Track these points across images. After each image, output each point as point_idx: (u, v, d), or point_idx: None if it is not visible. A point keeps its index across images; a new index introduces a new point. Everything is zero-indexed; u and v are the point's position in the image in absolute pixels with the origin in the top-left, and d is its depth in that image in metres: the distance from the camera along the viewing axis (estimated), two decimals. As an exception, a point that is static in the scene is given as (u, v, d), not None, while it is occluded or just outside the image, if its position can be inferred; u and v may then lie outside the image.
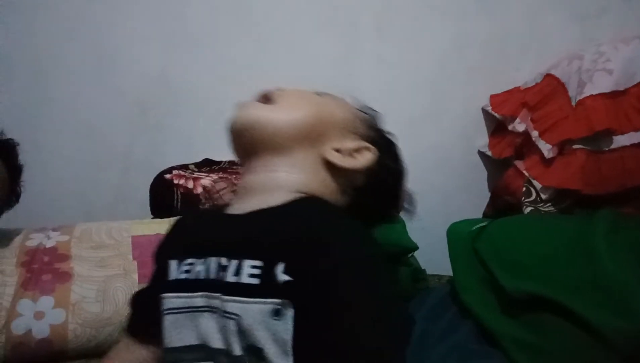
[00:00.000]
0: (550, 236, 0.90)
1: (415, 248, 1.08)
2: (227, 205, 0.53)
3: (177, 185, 1.14)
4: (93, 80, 1.34)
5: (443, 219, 1.19)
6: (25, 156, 0.96)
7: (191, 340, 0.46)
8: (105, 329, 0.80)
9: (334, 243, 0.44)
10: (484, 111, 1.37)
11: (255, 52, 1.35)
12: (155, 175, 1.24)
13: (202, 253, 0.49)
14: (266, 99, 0.55)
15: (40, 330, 0.77)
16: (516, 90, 1.30)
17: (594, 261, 0.80)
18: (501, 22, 1.36)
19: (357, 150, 0.54)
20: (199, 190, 1.14)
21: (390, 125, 1.38)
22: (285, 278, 0.43)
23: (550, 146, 1.10)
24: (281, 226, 0.47)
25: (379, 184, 0.58)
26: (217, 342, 0.45)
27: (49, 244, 0.88)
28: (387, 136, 0.66)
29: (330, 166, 0.54)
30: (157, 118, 1.39)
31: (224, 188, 1.13)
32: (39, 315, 0.77)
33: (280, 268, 0.43)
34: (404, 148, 1.39)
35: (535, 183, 1.11)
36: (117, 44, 1.33)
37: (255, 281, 0.44)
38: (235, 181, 1.16)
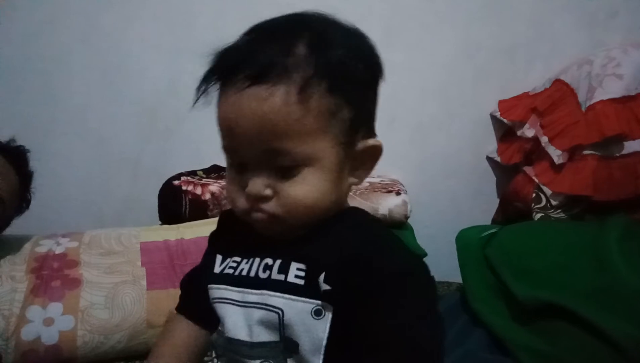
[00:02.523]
0: (561, 243, 0.89)
1: (424, 255, 1.08)
2: None
3: (186, 191, 1.15)
4: (102, 88, 1.35)
5: (451, 226, 1.18)
6: (35, 164, 0.97)
7: (235, 331, 0.49)
8: (114, 336, 0.80)
9: (375, 257, 0.46)
10: (493, 117, 1.36)
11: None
12: (162, 182, 1.25)
13: (247, 253, 0.51)
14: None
15: (50, 337, 0.77)
16: (525, 95, 1.29)
17: (607, 268, 0.79)
18: (509, 28, 1.35)
19: (364, 151, 0.50)
20: (207, 196, 1.14)
21: (399, 131, 1.39)
22: (325, 287, 0.45)
23: (560, 152, 1.09)
24: (323, 238, 0.48)
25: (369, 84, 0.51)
26: (255, 334, 0.48)
27: (59, 250, 0.89)
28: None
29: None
30: (166, 125, 1.40)
31: (232, 195, 1.13)
32: (48, 322, 0.77)
33: (321, 277, 0.46)
34: (413, 154, 1.40)
35: (545, 189, 1.10)
36: (127, 52, 1.34)
37: (300, 282, 0.47)
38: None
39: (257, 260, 0.50)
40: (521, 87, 1.33)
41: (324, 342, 0.45)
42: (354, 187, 0.54)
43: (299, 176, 0.47)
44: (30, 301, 0.78)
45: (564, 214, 1.06)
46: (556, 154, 1.09)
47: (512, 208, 1.23)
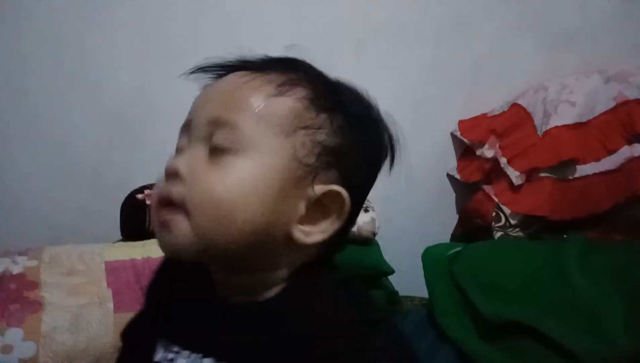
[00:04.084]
0: (524, 261, 0.94)
1: (392, 271, 1.10)
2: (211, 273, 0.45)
3: (149, 206, 1.11)
4: (63, 92, 1.29)
5: (414, 241, 1.21)
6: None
7: None
8: (80, 361, 0.76)
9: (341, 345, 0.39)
10: (453, 136, 1.41)
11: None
12: (125, 193, 1.20)
13: (188, 345, 0.43)
14: None
15: (9, 365, 0.72)
16: (483, 116, 1.35)
17: (569, 285, 0.84)
18: (473, 47, 1.40)
19: (326, 195, 0.41)
20: (172, 211, 1.11)
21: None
22: None
23: (518, 173, 1.14)
24: (291, 323, 0.40)
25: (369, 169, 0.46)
26: None
27: (16, 270, 0.83)
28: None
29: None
30: (132, 133, 1.35)
31: (198, 209, 1.11)
32: (6, 349, 0.73)
33: None
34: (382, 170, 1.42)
35: (504, 208, 1.15)
36: (91, 56, 1.29)
37: None
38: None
39: (197, 357, 0.42)
40: (481, 108, 1.39)
41: None
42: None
43: (227, 166, 0.39)
44: (-14, 327, 0.74)
45: (521, 233, 1.12)
46: (514, 175, 1.15)
47: (471, 224, 1.28)
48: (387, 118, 0.48)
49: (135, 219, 1.12)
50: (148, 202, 1.13)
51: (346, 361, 0.38)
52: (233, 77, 0.43)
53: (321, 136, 0.41)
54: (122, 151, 1.35)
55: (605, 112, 1.11)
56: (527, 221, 1.13)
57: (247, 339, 0.41)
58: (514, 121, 1.23)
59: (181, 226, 0.39)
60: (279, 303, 0.42)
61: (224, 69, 0.44)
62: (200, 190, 0.39)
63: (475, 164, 1.32)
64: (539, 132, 1.17)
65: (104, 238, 1.07)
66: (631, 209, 1.09)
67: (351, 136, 0.43)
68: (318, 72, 0.45)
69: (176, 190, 0.40)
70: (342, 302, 0.42)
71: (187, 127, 0.43)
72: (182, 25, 1.34)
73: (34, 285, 0.81)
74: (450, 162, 1.43)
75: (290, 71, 0.43)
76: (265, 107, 0.40)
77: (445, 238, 1.43)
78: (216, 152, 0.40)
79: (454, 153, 1.44)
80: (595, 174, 1.08)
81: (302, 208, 0.41)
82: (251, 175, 0.39)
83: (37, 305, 0.78)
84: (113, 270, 0.88)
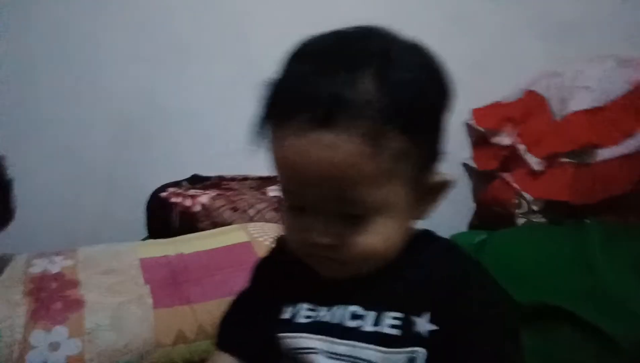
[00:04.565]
0: (550, 248, 0.96)
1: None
2: None
3: (175, 204, 1.12)
4: (74, 98, 1.30)
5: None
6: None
7: None
8: (122, 358, 0.77)
9: (473, 291, 0.46)
10: (467, 125, 1.42)
11: (243, 69, 1.35)
12: (140, 196, 1.21)
13: (324, 298, 0.49)
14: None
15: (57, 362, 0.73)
16: (497, 105, 1.36)
17: (594, 272, 0.86)
18: (477, 42, 1.42)
19: (433, 188, 0.48)
20: (197, 208, 1.12)
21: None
22: (431, 327, 0.44)
23: (538, 160, 1.16)
24: (410, 274, 0.47)
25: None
26: None
27: (54, 270, 0.84)
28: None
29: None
30: (142, 136, 1.36)
31: (223, 206, 1.12)
32: (54, 347, 0.73)
33: (425, 318, 0.45)
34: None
35: (525, 195, 1.16)
36: (101, 60, 1.29)
37: (396, 332, 0.45)
38: (233, 198, 1.15)
39: (340, 307, 0.47)
40: (491, 98, 1.40)
41: None
42: None
43: (369, 224, 0.44)
44: (32, 326, 0.74)
45: (544, 219, 1.13)
46: (535, 162, 1.16)
47: (490, 213, 1.29)
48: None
49: (161, 217, 1.13)
50: (172, 200, 1.14)
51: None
52: (324, 144, 0.41)
53: (418, 150, 0.45)
54: (135, 153, 1.36)
55: (622, 97, 1.13)
56: (549, 207, 1.14)
57: (384, 290, 0.47)
58: (529, 108, 1.24)
59: (341, 270, 0.47)
60: (409, 254, 0.48)
61: (289, 115, 0.43)
62: (356, 253, 0.45)
63: (491, 153, 1.33)
64: (556, 118, 1.18)
65: (121, 240, 1.07)
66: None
67: (433, 112, 0.47)
68: (380, 56, 0.44)
69: (334, 256, 0.46)
70: (448, 257, 0.50)
71: (298, 196, 0.46)
72: (192, 28, 1.34)
73: (74, 283, 0.82)
74: (463, 152, 1.44)
75: (361, 86, 0.42)
76: (374, 169, 0.43)
77: (462, 228, 1.45)
78: (351, 217, 0.45)
79: (467, 143, 1.46)
80: (614, 158, 1.09)
81: (417, 204, 0.47)
82: (390, 227, 0.45)
83: (78, 304, 0.79)
84: (148, 267, 0.88)
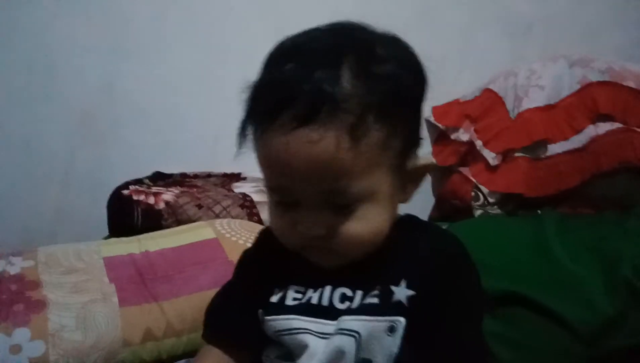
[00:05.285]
0: (507, 238, 1.00)
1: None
2: None
3: (137, 201, 1.10)
4: (28, 90, 1.25)
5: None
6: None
7: (313, 361, 0.47)
8: (89, 357, 0.76)
9: (461, 269, 0.50)
10: (427, 122, 1.46)
11: (203, 62, 1.34)
12: (99, 193, 1.19)
13: (312, 281, 0.51)
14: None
15: (18, 366, 0.71)
16: (456, 102, 1.40)
17: (550, 258, 0.90)
18: (440, 38, 1.46)
19: (415, 170, 0.50)
20: (161, 206, 1.10)
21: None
22: (409, 293, 0.47)
23: (494, 155, 1.20)
24: (394, 255, 0.49)
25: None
26: (333, 360, 0.47)
27: (13, 271, 0.82)
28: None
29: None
30: (101, 130, 1.33)
31: (188, 203, 1.11)
32: (15, 349, 0.71)
33: (403, 284, 0.47)
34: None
35: (482, 188, 1.21)
36: (57, 52, 1.25)
37: (375, 300, 0.48)
38: (197, 195, 1.14)
39: (328, 288, 0.49)
40: (450, 95, 1.44)
41: (395, 355, 0.46)
42: None
43: (357, 212, 0.46)
44: (-9, 329, 0.72)
45: (499, 211, 1.18)
46: (491, 157, 1.21)
47: (449, 206, 1.33)
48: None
49: (124, 215, 1.11)
50: (135, 198, 1.12)
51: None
52: (307, 140, 0.43)
53: (399, 138, 0.47)
54: (93, 149, 1.32)
55: (571, 95, 1.19)
56: (504, 200, 1.19)
57: (371, 270, 0.49)
58: (487, 106, 1.29)
59: (337, 258, 0.48)
60: (388, 244, 0.50)
61: (272, 115, 0.44)
62: (345, 241, 0.47)
63: (450, 149, 1.37)
64: (511, 116, 1.23)
65: (80, 239, 1.04)
66: (596, 186, 1.17)
67: (412, 101, 0.50)
68: (359, 51, 0.46)
69: (325, 245, 0.47)
70: (438, 235, 0.54)
71: (285, 192, 0.48)
72: (150, 21, 1.32)
73: (35, 284, 0.80)
74: (423, 148, 1.48)
75: (342, 80, 0.44)
76: (357, 160, 0.44)
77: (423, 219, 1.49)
78: (339, 206, 0.46)
79: (428, 138, 1.50)
80: (564, 152, 1.15)
81: (401, 188, 0.50)
82: (377, 213, 0.47)
83: (41, 305, 0.77)
84: (113, 265, 0.87)
